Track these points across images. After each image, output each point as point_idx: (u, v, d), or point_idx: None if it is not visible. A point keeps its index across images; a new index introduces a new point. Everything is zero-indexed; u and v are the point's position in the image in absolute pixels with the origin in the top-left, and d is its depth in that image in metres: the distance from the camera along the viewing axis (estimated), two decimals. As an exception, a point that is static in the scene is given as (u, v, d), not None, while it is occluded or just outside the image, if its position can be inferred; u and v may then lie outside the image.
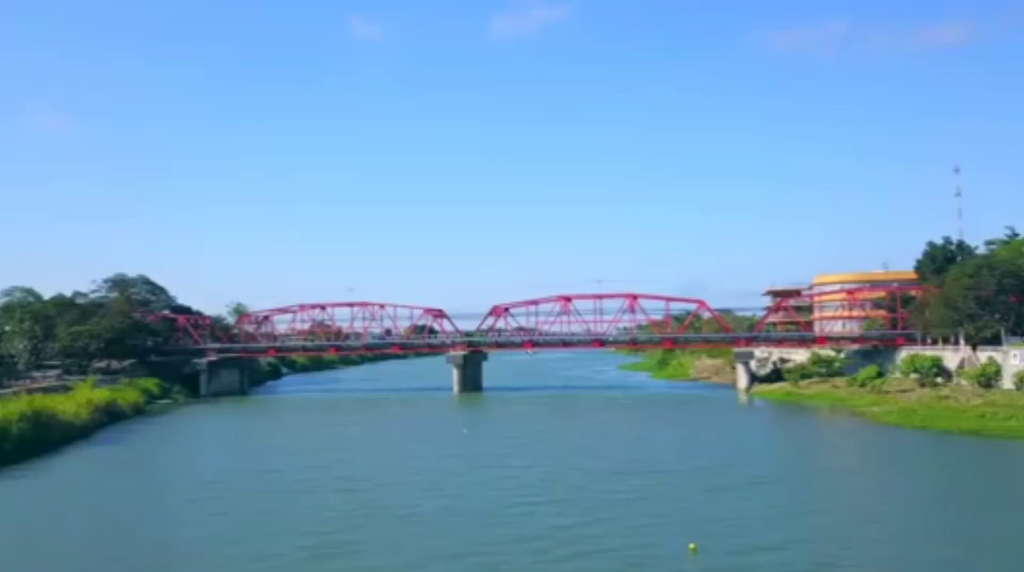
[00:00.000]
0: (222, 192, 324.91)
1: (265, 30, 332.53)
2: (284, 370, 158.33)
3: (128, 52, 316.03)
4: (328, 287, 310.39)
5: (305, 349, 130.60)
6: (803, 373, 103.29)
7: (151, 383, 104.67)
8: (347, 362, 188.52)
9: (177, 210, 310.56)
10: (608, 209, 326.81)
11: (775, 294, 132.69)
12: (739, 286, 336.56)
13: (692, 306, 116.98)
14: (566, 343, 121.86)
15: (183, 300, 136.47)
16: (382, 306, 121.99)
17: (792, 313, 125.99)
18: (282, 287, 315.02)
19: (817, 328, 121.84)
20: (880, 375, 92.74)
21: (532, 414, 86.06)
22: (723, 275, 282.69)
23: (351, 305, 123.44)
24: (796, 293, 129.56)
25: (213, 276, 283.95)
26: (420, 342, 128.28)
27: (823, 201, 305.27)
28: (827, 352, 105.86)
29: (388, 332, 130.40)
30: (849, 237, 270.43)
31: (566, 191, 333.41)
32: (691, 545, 30.91)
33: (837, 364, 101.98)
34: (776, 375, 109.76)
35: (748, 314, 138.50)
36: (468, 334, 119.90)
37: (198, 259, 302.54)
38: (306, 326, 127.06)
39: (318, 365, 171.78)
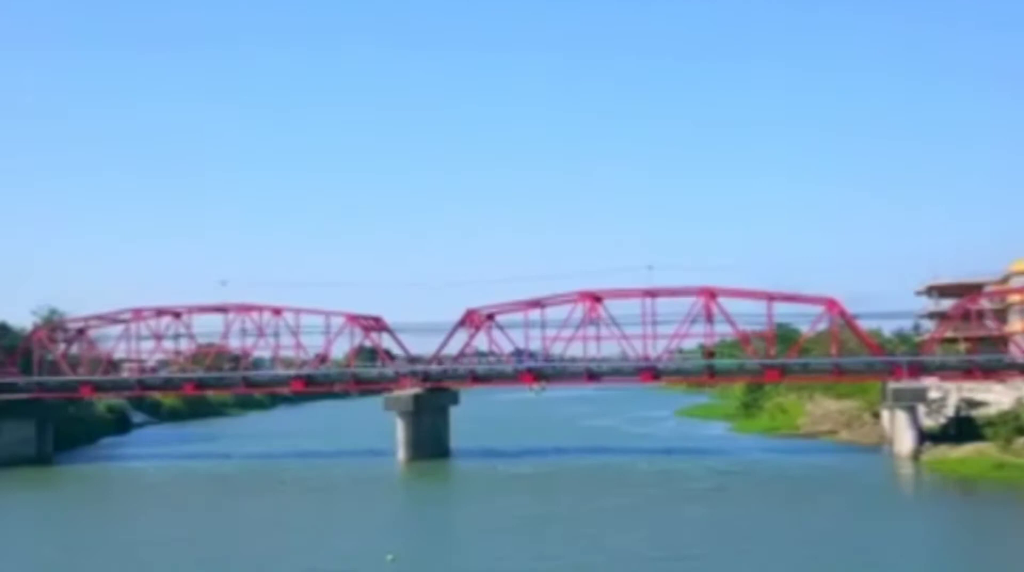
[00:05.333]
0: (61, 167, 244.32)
1: None
2: (139, 419, 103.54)
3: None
4: (205, 287, 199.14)
5: (143, 385, 77.56)
6: (1019, 427, 58.71)
7: None
8: (248, 405, 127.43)
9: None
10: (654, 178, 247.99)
11: (943, 291, 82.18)
12: (857, 286, 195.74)
13: (816, 309, 67.05)
14: (593, 374, 70.97)
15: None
16: (277, 312, 71.76)
17: (977, 322, 74.35)
18: (148, 289, 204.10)
19: None
20: None
21: (536, 520, 41.21)
22: (831, 264, 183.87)
23: (224, 311, 72.56)
24: (978, 288, 78.56)
25: (38, 277, 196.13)
26: (339, 375, 76.53)
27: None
28: None
29: (323, 359, 76.83)
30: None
31: (590, 154, 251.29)
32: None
33: None
34: (959, 428, 64.06)
35: (874, 324, 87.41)
36: (422, 359, 70.71)
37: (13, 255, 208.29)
38: (151, 344, 74.94)
39: (195, 411, 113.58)
